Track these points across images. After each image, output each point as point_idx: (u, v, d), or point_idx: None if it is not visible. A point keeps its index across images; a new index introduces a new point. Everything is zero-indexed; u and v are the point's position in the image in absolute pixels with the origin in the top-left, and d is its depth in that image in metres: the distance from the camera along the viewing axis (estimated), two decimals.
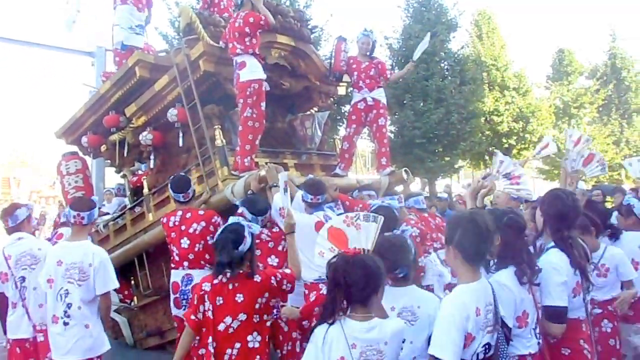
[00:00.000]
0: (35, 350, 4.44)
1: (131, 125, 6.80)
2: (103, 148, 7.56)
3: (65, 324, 3.97)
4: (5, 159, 49.42)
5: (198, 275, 4.99)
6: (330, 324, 2.52)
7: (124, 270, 6.42)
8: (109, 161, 8.09)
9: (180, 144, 6.22)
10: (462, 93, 20.19)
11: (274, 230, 4.86)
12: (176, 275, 5.16)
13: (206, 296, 3.36)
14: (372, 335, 2.49)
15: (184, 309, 5.02)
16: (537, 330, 2.97)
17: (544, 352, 3.05)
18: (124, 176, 7.89)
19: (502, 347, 2.70)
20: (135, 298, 6.79)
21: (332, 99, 7.47)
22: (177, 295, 5.11)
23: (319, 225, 4.55)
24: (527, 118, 24.94)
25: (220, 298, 3.34)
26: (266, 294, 3.40)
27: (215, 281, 3.38)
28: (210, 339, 3.33)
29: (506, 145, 25.53)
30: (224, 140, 5.72)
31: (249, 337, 3.35)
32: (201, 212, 5.22)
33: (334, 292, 2.57)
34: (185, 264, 5.10)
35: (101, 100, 7.06)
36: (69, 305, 3.98)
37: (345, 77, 7.01)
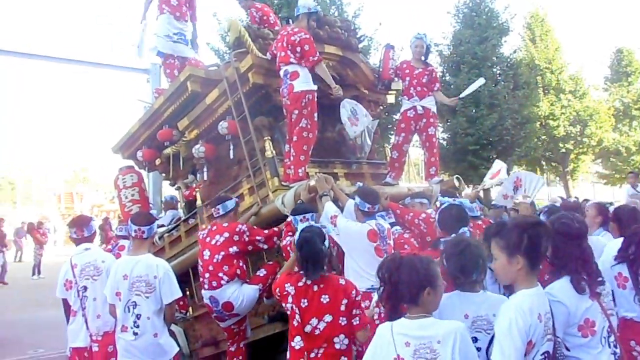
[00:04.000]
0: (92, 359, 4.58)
1: (184, 139, 6.94)
2: (157, 162, 7.74)
3: (135, 333, 4.15)
4: (67, 175, 51.53)
5: (219, 295, 5.07)
6: (391, 322, 2.55)
7: (179, 281, 6.54)
8: (164, 174, 8.27)
9: (232, 156, 6.28)
10: (515, 98, 19.82)
11: None
12: (205, 297, 5.24)
13: (290, 297, 3.42)
14: (424, 333, 2.47)
15: (229, 320, 5.20)
16: (612, 340, 2.80)
17: None
18: (178, 189, 8.05)
19: (560, 357, 2.64)
20: (190, 309, 6.90)
21: (381, 108, 7.41)
22: (215, 314, 5.22)
23: (371, 234, 4.52)
24: (584, 121, 24.32)
25: (305, 300, 3.40)
26: (346, 300, 3.43)
27: (300, 284, 3.44)
28: (298, 338, 3.38)
29: (563, 150, 24.91)
30: (274, 152, 5.74)
31: (336, 339, 3.38)
32: (225, 224, 5.27)
33: (384, 291, 2.61)
34: (207, 276, 5.14)
35: (155, 115, 7.23)
36: (138, 316, 4.16)
37: (395, 85, 6.94)
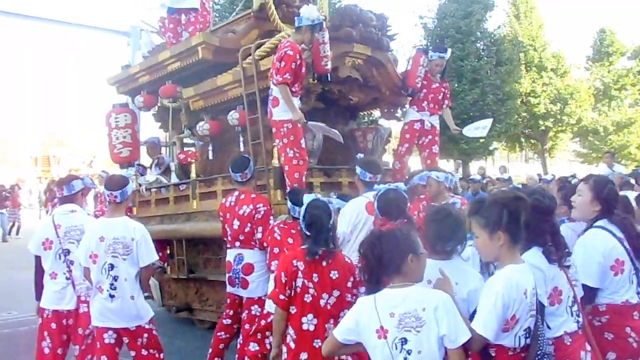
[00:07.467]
0: (76, 324, 4.43)
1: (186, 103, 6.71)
2: (155, 109, 7.57)
3: (112, 296, 4.04)
4: (44, 137, 50.56)
5: (248, 254, 5.05)
6: (373, 294, 2.52)
7: (167, 240, 6.79)
8: (159, 123, 8.08)
9: (242, 148, 6.11)
10: (498, 74, 19.97)
11: None
12: (230, 255, 5.18)
13: (299, 273, 3.38)
14: (409, 301, 2.45)
15: (237, 287, 5.09)
16: (576, 309, 2.85)
17: (586, 331, 2.94)
18: (173, 144, 7.74)
19: (541, 332, 2.66)
20: (168, 268, 6.98)
21: (400, 110, 7.12)
22: (231, 273, 5.15)
23: (369, 206, 4.40)
24: (565, 100, 24.56)
25: (316, 275, 3.37)
26: (352, 278, 3.44)
27: (308, 258, 3.39)
28: (310, 316, 3.36)
29: (542, 128, 25.18)
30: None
31: (341, 314, 3.35)
32: (253, 196, 5.17)
33: (366, 266, 2.59)
34: (237, 244, 5.13)
35: (158, 66, 6.90)
36: (115, 278, 4.05)
37: None
